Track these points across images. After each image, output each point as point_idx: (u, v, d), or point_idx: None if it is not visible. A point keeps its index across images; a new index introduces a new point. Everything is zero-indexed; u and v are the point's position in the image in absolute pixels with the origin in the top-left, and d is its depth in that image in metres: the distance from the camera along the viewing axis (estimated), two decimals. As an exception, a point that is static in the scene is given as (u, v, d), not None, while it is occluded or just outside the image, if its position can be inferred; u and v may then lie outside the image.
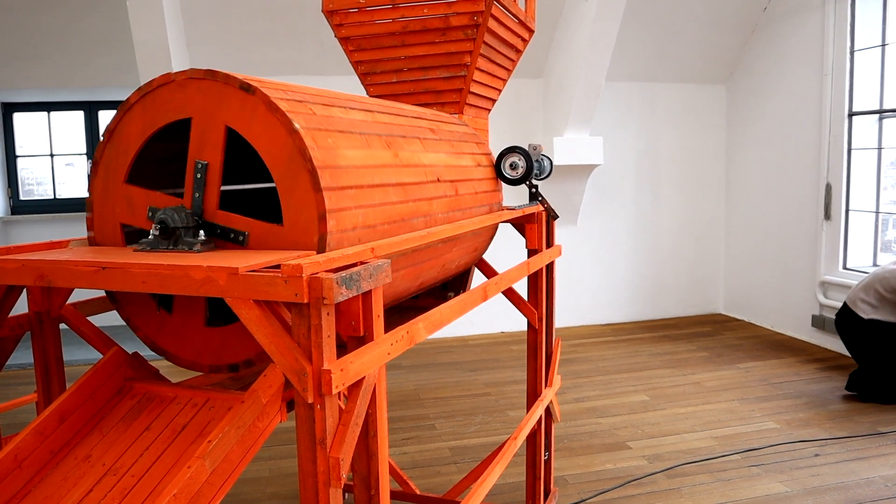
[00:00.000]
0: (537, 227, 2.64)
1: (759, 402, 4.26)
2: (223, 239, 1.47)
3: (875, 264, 5.29)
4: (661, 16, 5.80)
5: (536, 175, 2.63)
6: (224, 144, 1.48)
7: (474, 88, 2.63)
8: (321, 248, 1.36)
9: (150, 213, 1.53)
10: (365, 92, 2.73)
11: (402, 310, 2.67)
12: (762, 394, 4.41)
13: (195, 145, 1.49)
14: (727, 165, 6.60)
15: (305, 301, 1.10)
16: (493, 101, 2.89)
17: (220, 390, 1.54)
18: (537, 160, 2.61)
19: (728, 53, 6.26)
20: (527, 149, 2.56)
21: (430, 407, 4.31)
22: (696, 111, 6.48)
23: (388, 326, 1.44)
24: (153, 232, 1.41)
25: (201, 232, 1.43)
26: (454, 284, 2.83)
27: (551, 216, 2.74)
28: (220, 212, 1.48)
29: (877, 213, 5.26)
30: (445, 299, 2.77)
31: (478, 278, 2.68)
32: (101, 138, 1.61)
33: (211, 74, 1.45)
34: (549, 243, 2.77)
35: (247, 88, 1.42)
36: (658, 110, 6.40)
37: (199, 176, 1.49)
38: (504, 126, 5.67)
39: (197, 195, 1.49)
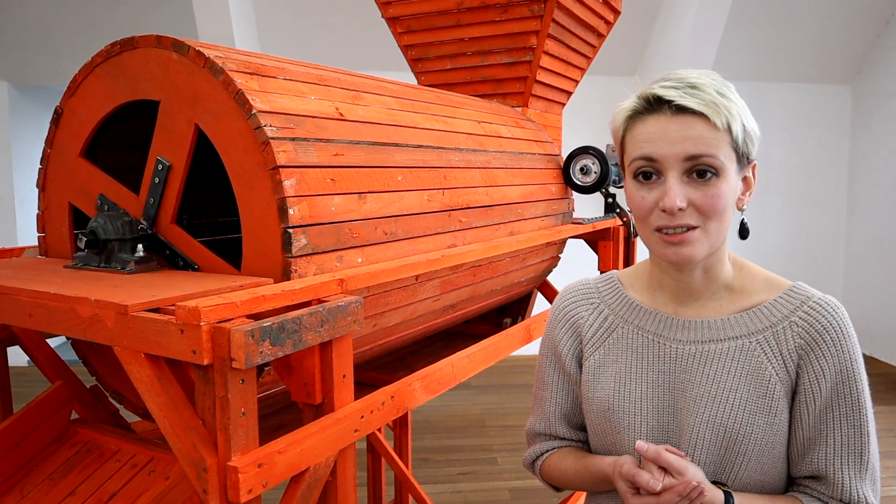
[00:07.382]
0: (613, 244, 2.19)
1: (882, 458, 3.59)
2: (170, 263, 1.14)
3: None
4: (775, 5, 5.19)
5: (614, 182, 2.17)
6: (193, 145, 1.15)
7: (542, 77, 2.21)
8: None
9: (99, 203, 1.22)
10: (415, 80, 2.37)
11: (449, 336, 2.29)
12: (887, 448, 3.73)
13: (161, 138, 1.16)
14: (850, 176, 5.93)
15: (205, 362, 0.73)
16: (568, 93, 2.46)
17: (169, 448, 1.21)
18: (614, 164, 2.15)
19: (855, 48, 5.60)
20: (603, 150, 2.11)
21: (495, 437, 3.89)
22: (814, 114, 5.87)
23: (417, 363, 1.06)
24: (78, 244, 1.09)
25: (139, 247, 1.09)
26: (512, 309, 2.41)
27: (633, 233, 2.27)
28: (174, 227, 1.15)
29: None
30: (502, 326, 2.36)
31: (541, 304, 2.27)
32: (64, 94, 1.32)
33: (201, 59, 1.11)
34: (628, 263, 2.30)
35: (242, 104, 1.06)
36: (769, 113, 5.83)
37: (157, 180, 1.16)
38: (592, 127, 5.18)
39: (151, 201, 1.17)
